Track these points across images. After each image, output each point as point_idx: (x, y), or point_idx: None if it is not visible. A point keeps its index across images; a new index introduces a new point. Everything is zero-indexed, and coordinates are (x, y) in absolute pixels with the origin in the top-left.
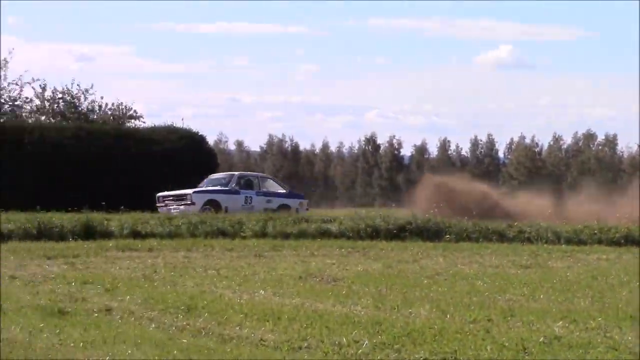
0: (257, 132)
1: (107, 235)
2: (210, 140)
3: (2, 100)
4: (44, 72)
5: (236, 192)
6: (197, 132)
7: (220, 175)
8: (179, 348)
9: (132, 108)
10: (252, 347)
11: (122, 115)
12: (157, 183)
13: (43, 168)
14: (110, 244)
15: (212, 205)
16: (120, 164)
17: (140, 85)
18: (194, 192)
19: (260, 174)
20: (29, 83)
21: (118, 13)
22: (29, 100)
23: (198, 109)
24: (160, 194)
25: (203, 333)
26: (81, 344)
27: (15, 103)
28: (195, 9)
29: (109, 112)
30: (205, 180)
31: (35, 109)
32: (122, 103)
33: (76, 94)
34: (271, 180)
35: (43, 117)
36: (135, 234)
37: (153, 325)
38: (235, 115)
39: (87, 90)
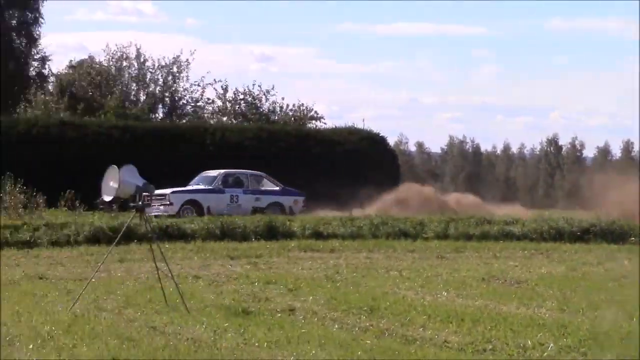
0: (437, 133)
1: (289, 235)
2: (391, 141)
3: (185, 102)
4: (225, 73)
5: (220, 191)
6: (378, 133)
7: (212, 173)
8: (362, 349)
9: (313, 109)
10: (436, 348)
11: (303, 116)
12: (338, 184)
13: (224, 169)
14: (293, 245)
15: (193, 205)
16: (301, 164)
17: (321, 86)
18: (172, 192)
19: (253, 171)
20: (211, 84)
21: (299, 14)
22: (210, 101)
23: (378, 110)
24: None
25: (386, 334)
26: (265, 343)
27: (197, 104)
28: (374, 10)
29: (290, 113)
30: (196, 177)
31: (217, 109)
32: (302, 104)
33: (257, 94)
34: (264, 178)
35: (225, 118)
36: (317, 235)
37: (336, 326)
38: (415, 117)
39: (268, 91)
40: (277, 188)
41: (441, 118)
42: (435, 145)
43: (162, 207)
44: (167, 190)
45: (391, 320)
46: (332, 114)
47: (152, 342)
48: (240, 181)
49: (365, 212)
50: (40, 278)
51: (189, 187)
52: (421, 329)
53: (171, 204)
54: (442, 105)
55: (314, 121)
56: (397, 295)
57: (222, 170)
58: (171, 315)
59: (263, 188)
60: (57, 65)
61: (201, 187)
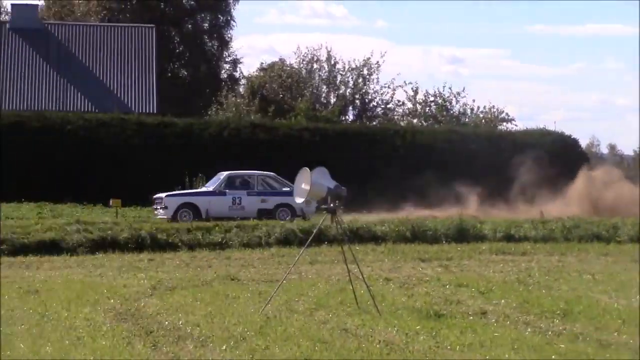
0: (630, 135)
1: (480, 238)
2: (583, 143)
3: (375, 104)
4: (415, 75)
5: (221, 194)
6: (570, 136)
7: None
8: (556, 352)
9: (503, 111)
10: (633, 354)
11: (493, 118)
12: (530, 187)
13: (414, 171)
14: (484, 247)
15: (190, 208)
16: (493, 166)
17: (511, 88)
18: (167, 195)
19: (261, 172)
20: (401, 86)
21: (490, 15)
22: (401, 103)
23: (569, 112)
24: (155, 195)
25: (580, 338)
26: (458, 347)
27: (388, 106)
28: (565, 11)
29: (481, 115)
30: (213, 178)
31: (407, 112)
32: (493, 106)
33: (448, 97)
34: (273, 179)
35: (415, 120)
36: (509, 238)
37: (529, 330)
38: (607, 119)
39: (458, 94)
40: (287, 189)
41: (635, 120)
42: (628, 147)
43: (161, 211)
44: (163, 194)
45: (585, 325)
46: (522, 116)
47: (344, 344)
48: (246, 182)
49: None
50: (232, 279)
51: (187, 190)
52: (616, 334)
53: (166, 207)
54: (636, 106)
55: (504, 123)
56: (590, 299)
57: (226, 172)
58: (362, 318)
59: (270, 189)
60: (248, 67)
61: (199, 189)
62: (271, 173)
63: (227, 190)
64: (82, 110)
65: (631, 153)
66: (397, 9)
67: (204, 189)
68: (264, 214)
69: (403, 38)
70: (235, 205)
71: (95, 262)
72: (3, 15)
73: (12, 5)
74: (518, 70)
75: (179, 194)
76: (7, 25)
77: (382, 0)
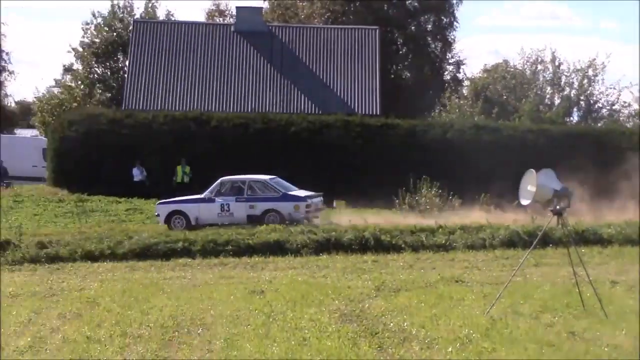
0: None
1: None
2: None
3: (600, 105)
4: None
5: (210, 200)
6: None
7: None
8: None
9: None
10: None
11: None
12: None
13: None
14: None
15: (182, 216)
16: None
17: None
18: (159, 203)
19: (253, 177)
20: (627, 87)
21: None
22: (627, 104)
23: None
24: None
25: None
26: None
27: (613, 107)
28: None
29: None
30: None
31: (633, 113)
32: None
33: None
34: (265, 184)
35: None
36: None
37: None
38: None
39: None
40: (277, 194)
41: None
42: None
43: (157, 217)
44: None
45: None
46: None
47: (572, 348)
48: (236, 188)
49: None
50: (456, 281)
51: (176, 198)
52: None
53: (157, 215)
54: None
55: None
56: None
57: (221, 178)
58: (589, 321)
59: (259, 195)
60: (471, 69)
61: (189, 197)
62: (265, 177)
63: (216, 197)
64: (306, 112)
65: None
66: (624, 8)
67: (194, 196)
68: (252, 219)
69: (629, 38)
70: (224, 212)
71: (319, 263)
72: (228, 18)
73: (237, 7)
74: None
75: (170, 201)
76: (232, 28)
77: (608, 0)
